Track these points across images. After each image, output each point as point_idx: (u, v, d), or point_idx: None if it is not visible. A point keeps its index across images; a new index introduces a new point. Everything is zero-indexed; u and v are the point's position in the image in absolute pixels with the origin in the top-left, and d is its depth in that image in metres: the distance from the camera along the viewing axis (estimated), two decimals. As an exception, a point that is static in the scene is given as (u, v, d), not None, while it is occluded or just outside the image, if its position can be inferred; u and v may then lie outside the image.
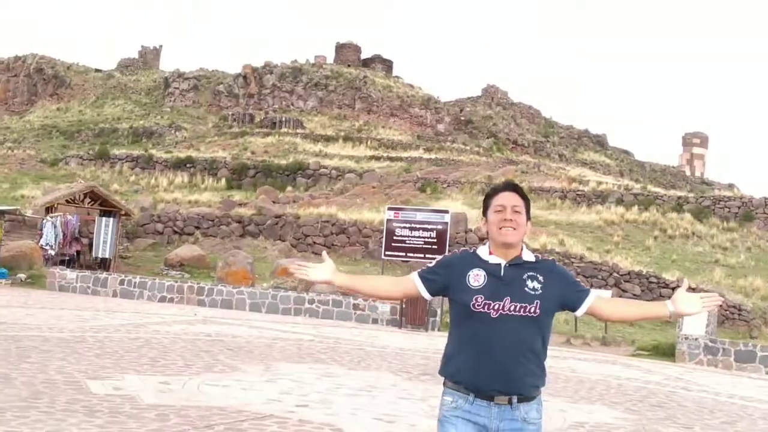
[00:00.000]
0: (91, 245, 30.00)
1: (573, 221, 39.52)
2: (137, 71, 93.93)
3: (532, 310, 3.56)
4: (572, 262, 31.83)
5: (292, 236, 35.44)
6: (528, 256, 3.70)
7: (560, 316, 26.06)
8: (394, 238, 25.61)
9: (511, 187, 3.79)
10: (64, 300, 21.58)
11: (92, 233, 30.03)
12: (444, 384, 3.71)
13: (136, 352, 12.00)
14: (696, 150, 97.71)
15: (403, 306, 22.50)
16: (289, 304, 23.37)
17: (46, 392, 8.23)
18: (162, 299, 24.16)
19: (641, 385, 14.14)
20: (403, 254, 26.05)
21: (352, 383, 10.90)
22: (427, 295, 3.75)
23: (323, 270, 3.80)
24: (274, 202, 42.13)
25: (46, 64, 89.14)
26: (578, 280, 3.87)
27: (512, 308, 3.55)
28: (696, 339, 19.53)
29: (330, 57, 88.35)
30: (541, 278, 3.63)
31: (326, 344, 16.01)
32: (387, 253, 25.84)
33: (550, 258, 3.82)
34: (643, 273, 31.08)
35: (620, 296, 29.86)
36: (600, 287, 29.09)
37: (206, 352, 12.72)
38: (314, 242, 35.22)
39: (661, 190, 51.78)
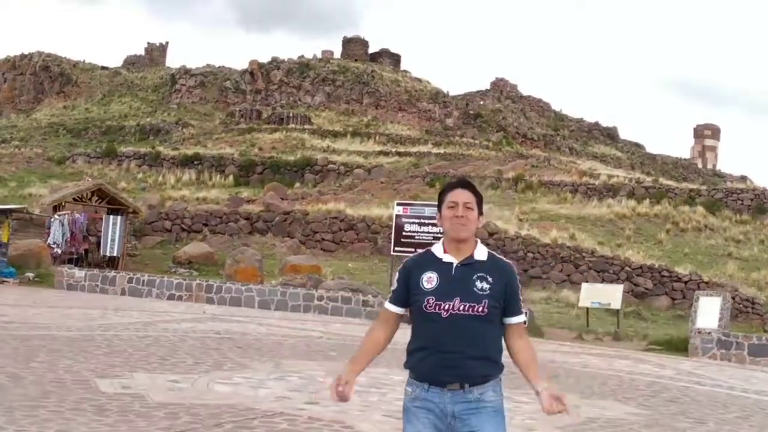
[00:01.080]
0: (98, 243, 29.97)
1: (584, 215, 39.38)
2: (144, 68, 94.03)
3: (480, 309, 3.74)
4: (584, 257, 31.70)
5: (301, 233, 35.38)
6: (480, 255, 3.87)
7: (571, 312, 25.97)
8: (403, 233, 25.47)
9: (464, 184, 3.97)
10: (72, 299, 21.56)
11: (100, 231, 30.01)
12: (408, 375, 3.94)
13: (145, 350, 11.94)
14: (708, 142, 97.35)
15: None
16: (298, 301, 23.29)
17: (55, 391, 8.17)
18: (170, 297, 24.10)
19: (654, 380, 14.02)
20: (413, 250, 25.75)
21: (362, 380, 10.71)
22: (402, 311, 3.96)
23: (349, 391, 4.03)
24: (282, 199, 42.09)
25: (53, 62, 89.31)
26: (521, 296, 4.00)
27: (462, 308, 3.74)
28: (709, 333, 19.38)
29: (337, 52, 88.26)
30: (490, 278, 3.80)
31: (336, 341, 15.94)
32: (396, 248, 25.69)
33: (503, 258, 3.96)
34: (656, 267, 30.93)
35: (631, 291, 29.74)
36: (612, 281, 28.95)
37: (215, 350, 12.66)
38: (323, 239, 35.15)
39: (672, 183, 51.58)
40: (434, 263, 3.86)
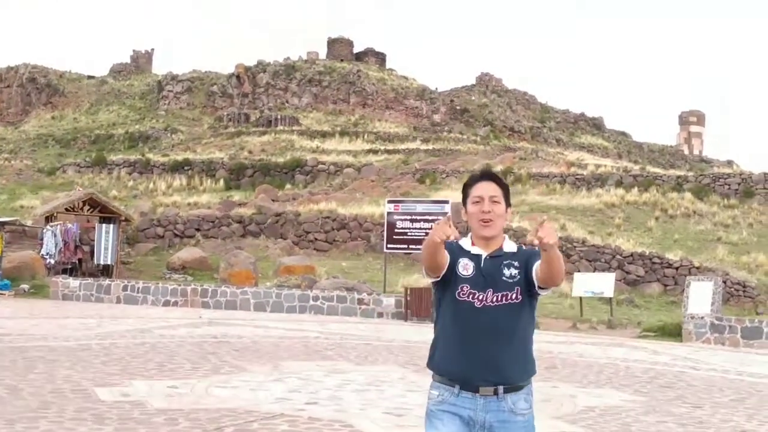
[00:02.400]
0: (92, 252, 29.94)
1: (573, 205, 39.50)
2: (130, 76, 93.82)
3: (513, 297, 3.58)
4: (575, 247, 31.83)
5: (294, 234, 35.42)
6: (509, 247, 3.72)
7: (565, 302, 26.08)
8: (396, 230, 25.54)
9: (489, 176, 3.77)
10: (68, 309, 21.57)
11: (93, 240, 29.98)
12: (432, 377, 3.70)
13: (143, 357, 11.99)
14: (693, 128, 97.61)
15: (408, 299, 22.48)
16: (293, 302, 23.36)
17: (54, 402, 8.22)
18: (166, 303, 24.14)
19: (649, 366, 14.13)
20: (405, 246, 25.99)
21: (361, 378, 10.89)
22: (445, 266, 3.62)
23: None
24: (273, 201, 42.11)
25: (39, 73, 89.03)
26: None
27: (495, 299, 3.58)
28: (702, 318, 19.51)
29: (322, 53, 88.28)
30: (517, 264, 3.64)
31: (333, 340, 16.00)
32: (389, 246, 25.77)
33: (535, 248, 3.70)
34: (646, 254, 31.07)
35: (624, 279, 29.90)
36: (603, 270, 29.08)
37: (213, 354, 12.71)
38: (315, 239, 35.21)
39: (660, 170, 51.79)
40: (465, 253, 3.69)
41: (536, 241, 3.38)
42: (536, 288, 3.63)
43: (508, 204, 3.74)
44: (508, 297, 3.57)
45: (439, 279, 3.65)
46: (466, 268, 3.63)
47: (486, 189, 3.70)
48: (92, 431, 7.03)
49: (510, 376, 3.58)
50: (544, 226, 3.39)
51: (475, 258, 3.65)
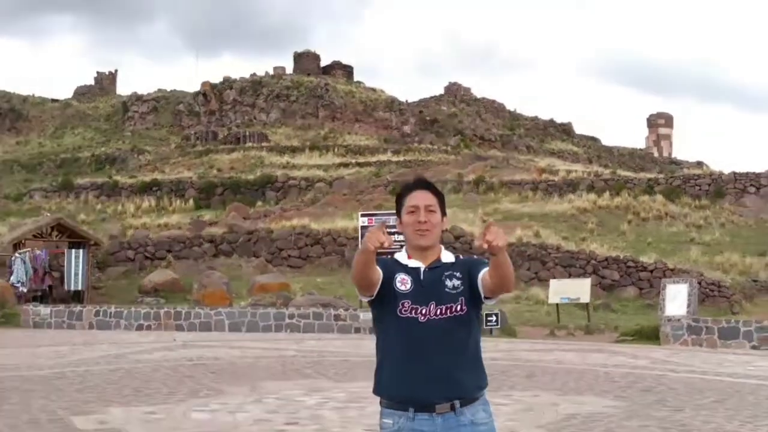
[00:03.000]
0: (62, 278, 29.63)
1: (546, 212, 39.65)
2: (95, 98, 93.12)
3: (458, 309, 3.43)
4: (549, 253, 31.89)
5: (267, 251, 35.21)
6: (447, 258, 3.57)
7: (542, 309, 26.10)
8: (369, 244, 25.44)
9: (423, 184, 3.63)
10: (40, 337, 21.26)
11: (63, 266, 29.67)
12: (380, 404, 3.51)
13: (118, 383, 11.82)
14: (662, 130, 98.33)
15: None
16: (269, 321, 23.17)
17: (29, 434, 8.04)
18: (139, 327, 23.86)
19: (628, 371, 14.13)
20: (380, 259, 25.92)
21: (340, 396, 10.78)
22: (380, 277, 3.46)
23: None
24: (245, 219, 41.88)
25: (1, 98, 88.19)
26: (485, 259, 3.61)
27: (439, 311, 3.42)
28: (679, 320, 19.57)
29: (289, 67, 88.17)
30: (458, 274, 3.49)
31: (310, 358, 15.88)
32: (363, 260, 25.68)
33: (474, 256, 3.66)
34: (621, 258, 31.20)
35: (599, 283, 29.97)
36: (579, 276, 29.17)
37: (189, 378, 12.55)
38: (289, 255, 35.02)
39: (630, 174, 52.11)
40: (402, 268, 3.53)
41: (485, 245, 3.22)
42: (483, 298, 3.49)
43: (443, 213, 3.60)
44: (453, 309, 3.42)
45: (373, 297, 3.49)
46: (403, 283, 3.46)
47: (421, 198, 3.55)
48: (68, 463, 6.87)
49: (465, 390, 3.42)
50: (491, 230, 3.22)
51: (413, 271, 3.50)
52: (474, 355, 3.49)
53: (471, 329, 3.48)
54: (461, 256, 3.62)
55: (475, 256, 3.60)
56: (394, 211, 3.66)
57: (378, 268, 3.43)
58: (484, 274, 3.44)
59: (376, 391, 3.50)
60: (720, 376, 13.46)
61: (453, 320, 3.42)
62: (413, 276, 3.48)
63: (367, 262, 3.35)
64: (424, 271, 3.49)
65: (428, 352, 3.38)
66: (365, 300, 3.57)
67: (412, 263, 3.52)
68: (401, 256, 3.57)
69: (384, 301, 3.46)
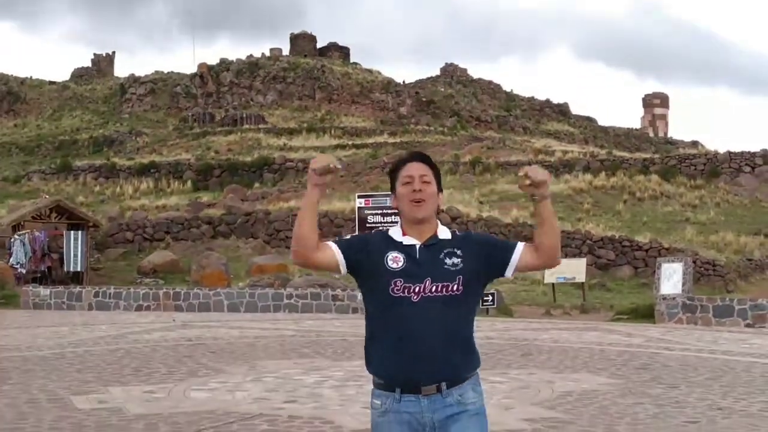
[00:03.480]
0: (61, 260, 29.71)
1: (542, 192, 39.68)
2: (92, 80, 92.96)
3: (454, 288, 3.30)
4: (545, 233, 31.96)
5: (264, 233, 35.31)
6: (444, 234, 3.43)
7: (537, 288, 26.23)
8: (367, 225, 25.52)
9: (419, 156, 3.51)
10: (39, 318, 21.35)
11: (62, 248, 29.73)
12: (373, 383, 3.41)
13: (118, 363, 11.91)
14: (657, 110, 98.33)
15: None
16: (267, 301, 23.29)
17: (31, 412, 8.14)
18: (138, 308, 23.96)
19: (624, 349, 14.24)
20: (377, 240, 26.00)
21: (339, 374, 10.89)
22: (343, 268, 3.39)
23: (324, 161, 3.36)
24: (242, 200, 41.95)
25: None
26: (501, 238, 3.56)
27: (434, 289, 3.28)
28: (674, 298, 19.69)
29: (285, 49, 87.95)
30: (459, 252, 3.36)
31: (308, 338, 15.98)
32: (360, 240, 25.75)
33: (469, 230, 3.58)
34: (616, 238, 31.33)
35: (594, 263, 30.10)
36: (574, 255, 29.27)
37: (189, 357, 12.65)
38: (287, 237, 35.06)
39: (626, 154, 52.21)
40: (395, 245, 3.39)
41: (527, 183, 3.26)
42: (506, 273, 3.43)
43: (439, 189, 3.48)
44: (449, 288, 3.29)
45: (343, 272, 3.41)
46: (396, 261, 3.32)
47: (416, 169, 3.43)
48: (70, 440, 6.97)
49: (453, 371, 3.30)
50: (529, 169, 3.27)
51: (408, 248, 3.36)
52: (466, 337, 3.37)
53: (464, 309, 3.36)
54: (458, 232, 3.50)
55: (473, 232, 3.45)
56: (390, 192, 3.59)
57: (335, 250, 3.37)
58: (524, 253, 3.41)
59: (368, 368, 3.40)
60: (714, 354, 13.57)
61: (447, 299, 3.30)
62: (407, 254, 3.35)
63: (306, 202, 3.35)
64: (420, 248, 3.37)
65: (418, 332, 3.26)
66: (336, 275, 3.51)
67: (407, 240, 3.39)
68: (395, 233, 3.43)
69: (375, 279, 3.35)
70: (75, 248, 29.34)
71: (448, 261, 3.33)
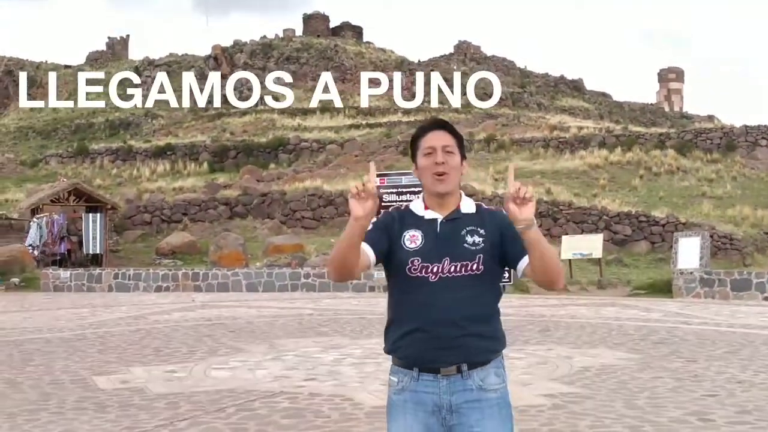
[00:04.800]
0: (80, 243, 29.92)
1: (558, 169, 39.60)
2: (107, 63, 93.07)
3: (474, 268, 3.14)
4: (561, 210, 31.94)
5: (281, 213, 35.41)
6: (468, 207, 3.25)
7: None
8: (383, 204, 25.49)
9: (440, 124, 3.32)
10: (60, 300, 21.56)
11: (81, 231, 29.94)
12: (392, 361, 3.28)
13: (139, 343, 12.03)
14: (672, 85, 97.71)
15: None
16: (284, 280, 23.42)
17: (54, 393, 8.24)
18: (158, 289, 24.16)
19: (641, 324, 14.26)
20: (393, 219, 26.02)
21: (357, 352, 10.96)
22: (372, 264, 3.21)
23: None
24: (258, 181, 42.03)
25: (15, 65, 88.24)
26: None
27: (452, 269, 3.14)
28: (691, 273, 19.68)
29: (298, 29, 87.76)
30: (482, 231, 3.19)
31: (327, 316, 16.08)
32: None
33: (494, 208, 3.34)
34: (633, 213, 31.22)
35: (611, 239, 30.05)
36: (591, 231, 29.22)
37: (209, 337, 12.76)
38: (303, 216, 35.20)
39: (642, 129, 51.87)
40: (415, 221, 3.23)
41: (511, 205, 3.00)
42: (516, 268, 3.21)
43: (463, 156, 3.29)
44: (468, 267, 3.14)
45: (380, 261, 3.23)
46: (413, 240, 3.17)
47: (438, 138, 3.24)
48: (94, 420, 7.05)
49: (474, 354, 3.14)
50: (514, 182, 3.01)
51: (430, 223, 3.21)
52: (488, 317, 3.21)
53: (487, 289, 3.20)
54: (483, 206, 3.32)
55: (501, 210, 3.24)
56: (407, 171, 3.46)
57: (366, 250, 3.16)
58: (524, 260, 3.17)
59: (386, 349, 3.27)
60: (733, 328, 13.58)
61: (467, 279, 3.14)
62: (428, 229, 3.20)
63: (351, 240, 3.05)
64: (442, 222, 3.21)
65: (436, 314, 3.11)
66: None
67: (429, 214, 3.23)
68: (417, 206, 3.28)
69: (394, 259, 3.21)
70: (94, 231, 29.54)
71: (469, 239, 3.18)
